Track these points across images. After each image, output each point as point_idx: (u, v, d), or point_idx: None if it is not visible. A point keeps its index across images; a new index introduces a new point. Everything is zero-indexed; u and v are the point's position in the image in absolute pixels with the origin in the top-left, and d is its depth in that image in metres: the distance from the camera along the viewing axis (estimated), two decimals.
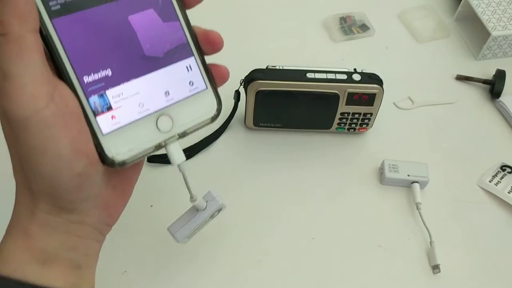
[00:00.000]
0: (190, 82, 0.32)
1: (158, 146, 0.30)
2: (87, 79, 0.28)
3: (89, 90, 0.28)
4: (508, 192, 0.51)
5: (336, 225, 0.49)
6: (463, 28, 0.69)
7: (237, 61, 0.58)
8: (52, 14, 0.27)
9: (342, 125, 0.54)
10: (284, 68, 0.50)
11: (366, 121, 0.54)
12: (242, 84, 0.52)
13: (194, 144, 0.53)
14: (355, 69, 0.51)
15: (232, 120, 0.56)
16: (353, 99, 0.50)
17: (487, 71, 0.63)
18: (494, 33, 0.62)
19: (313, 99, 0.51)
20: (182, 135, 0.31)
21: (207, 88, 0.32)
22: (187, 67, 0.32)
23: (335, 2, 0.71)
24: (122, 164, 0.28)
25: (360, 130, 0.55)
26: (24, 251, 0.27)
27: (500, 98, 0.60)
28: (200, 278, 0.45)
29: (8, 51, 0.23)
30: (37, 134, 0.24)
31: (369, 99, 0.51)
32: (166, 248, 0.46)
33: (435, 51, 0.67)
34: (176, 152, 0.31)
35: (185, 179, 0.35)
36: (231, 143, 0.55)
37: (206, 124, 0.32)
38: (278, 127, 0.55)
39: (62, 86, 0.26)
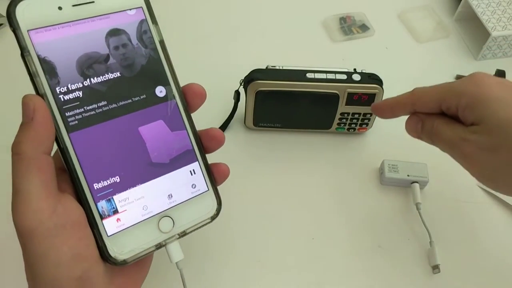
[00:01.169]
0: (192, 185, 0.33)
1: (159, 246, 0.32)
2: (97, 186, 0.30)
3: (98, 195, 0.30)
4: None
5: (336, 225, 0.49)
6: (463, 28, 0.69)
7: (237, 61, 0.58)
8: (69, 129, 0.29)
9: (342, 125, 0.54)
10: (284, 68, 0.50)
11: (366, 121, 0.54)
12: (242, 84, 0.52)
13: None
14: (355, 69, 0.51)
15: (232, 120, 0.56)
16: (353, 99, 0.50)
17: (487, 71, 0.62)
18: (494, 33, 0.62)
19: (313, 99, 0.51)
20: (182, 234, 0.33)
21: (208, 190, 0.34)
22: (190, 171, 0.33)
23: (335, 2, 0.71)
24: (123, 263, 0.30)
25: (360, 130, 0.55)
26: None
27: None
28: (199, 279, 0.45)
29: (19, 169, 0.27)
30: (40, 243, 0.27)
31: (369, 99, 0.51)
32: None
33: (435, 51, 0.67)
34: (175, 250, 0.33)
35: (182, 276, 0.35)
36: (231, 143, 0.55)
37: (206, 224, 0.34)
38: (278, 127, 0.55)
39: (66, 199, 0.29)
